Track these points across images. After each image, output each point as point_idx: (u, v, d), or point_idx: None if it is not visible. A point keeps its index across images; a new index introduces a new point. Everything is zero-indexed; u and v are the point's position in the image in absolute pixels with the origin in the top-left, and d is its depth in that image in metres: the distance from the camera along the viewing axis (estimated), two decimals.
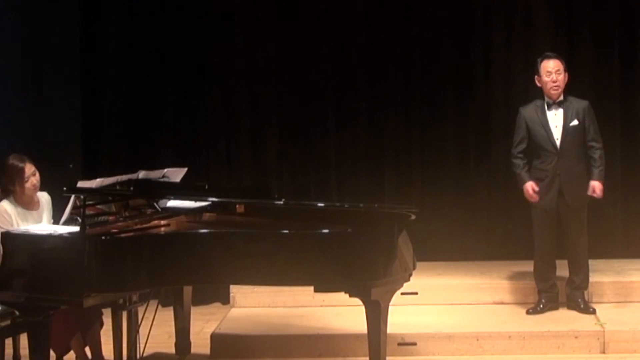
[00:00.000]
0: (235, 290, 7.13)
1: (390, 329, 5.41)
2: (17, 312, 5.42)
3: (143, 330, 5.97)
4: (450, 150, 7.93)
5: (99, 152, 7.87)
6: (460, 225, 7.87)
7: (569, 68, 6.57)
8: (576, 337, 6.19)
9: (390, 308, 5.30)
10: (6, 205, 5.62)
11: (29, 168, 5.66)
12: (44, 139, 7.57)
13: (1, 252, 5.23)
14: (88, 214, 5.27)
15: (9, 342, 5.72)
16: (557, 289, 6.69)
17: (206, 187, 5.95)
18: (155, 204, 5.80)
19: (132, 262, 5.09)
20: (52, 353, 5.49)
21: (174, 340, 6.24)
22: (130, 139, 7.85)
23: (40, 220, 5.71)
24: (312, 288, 5.22)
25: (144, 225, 5.55)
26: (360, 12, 7.90)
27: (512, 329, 6.31)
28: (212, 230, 5.37)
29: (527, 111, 6.58)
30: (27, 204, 5.71)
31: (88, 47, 7.86)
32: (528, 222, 6.77)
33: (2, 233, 5.29)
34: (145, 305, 6.02)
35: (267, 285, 6.01)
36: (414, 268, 5.45)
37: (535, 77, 6.54)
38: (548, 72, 6.47)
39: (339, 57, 7.92)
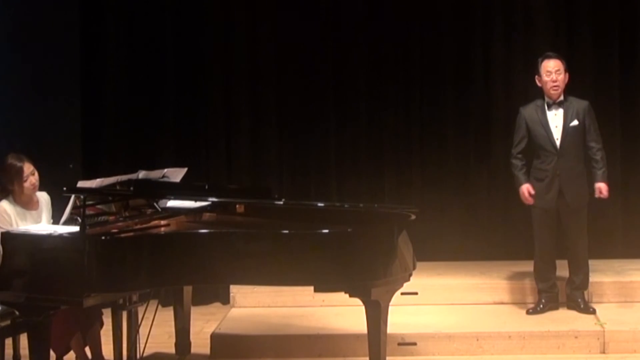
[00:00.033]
0: (235, 290, 7.13)
1: (390, 329, 5.41)
2: (17, 312, 5.41)
3: (143, 330, 5.97)
4: (450, 150, 7.93)
5: (99, 152, 7.87)
6: (460, 225, 7.87)
7: (569, 68, 6.57)
8: (576, 337, 6.19)
9: (390, 308, 5.30)
10: (5, 205, 5.62)
11: (28, 167, 5.66)
12: (44, 139, 7.56)
13: (1, 252, 5.22)
14: (88, 214, 5.27)
15: (9, 342, 5.72)
16: (557, 289, 6.69)
17: (206, 187, 5.95)
18: (155, 204, 5.80)
19: (132, 262, 5.09)
20: (52, 353, 5.49)
21: (174, 340, 6.24)
22: (130, 139, 7.85)
23: (39, 220, 5.70)
24: (312, 288, 5.22)
25: (144, 225, 5.55)
26: (360, 12, 7.90)
27: (512, 329, 6.31)
28: (212, 230, 5.37)
29: (527, 111, 6.58)
30: (26, 203, 5.71)
31: (88, 47, 7.86)
32: (528, 222, 6.77)
33: (2, 233, 5.28)
34: (145, 305, 6.02)
35: (267, 285, 6.01)
36: (414, 268, 5.45)
37: (536, 76, 6.54)
38: (548, 71, 6.47)
39: (339, 57, 7.92)
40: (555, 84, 6.46)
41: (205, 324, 7.02)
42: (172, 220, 5.74)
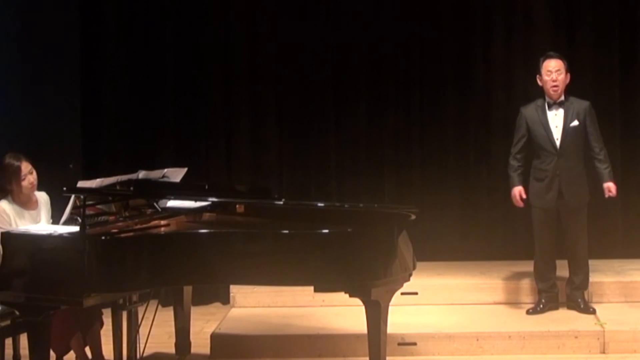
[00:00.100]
0: (235, 290, 7.13)
1: (390, 329, 5.41)
2: (17, 312, 5.41)
3: (143, 330, 5.97)
4: (450, 150, 7.93)
5: (99, 152, 7.87)
6: (460, 225, 7.88)
7: (568, 68, 6.57)
8: (576, 337, 6.19)
9: (390, 308, 5.30)
10: (4, 205, 5.61)
11: (26, 166, 5.65)
12: (44, 139, 7.56)
13: (1, 252, 5.22)
14: (88, 214, 5.27)
15: (9, 342, 5.72)
16: (557, 289, 6.69)
17: (206, 187, 5.95)
18: (155, 204, 5.80)
19: (132, 262, 5.09)
20: (52, 353, 5.49)
21: (174, 340, 6.24)
22: (130, 139, 7.85)
23: (38, 220, 5.70)
24: (312, 288, 5.22)
25: (144, 225, 5.55)
26: (360, 12, 7.90)
27: (512, 329, 6.31)
28: (212, 230, 5.37)
29: (528, 111, 6.58)
30: (25, 203, 5.70)
31: (88, 47, 7.86)
32: (528, 222, 6.77)
33: (2, 233, 5.28)
34: (145, 305, 6.02)
35: (267, 285, 6.02)
36: (414, 268, 5.45)
37: (537, 76, 6.54)
38: (548, 71, 6.47)
39: (339, 57, 7.92)
40: (555, 83, 6.46)
41: (205, 324, 7.02)
42: (172, 220, 5.74)
